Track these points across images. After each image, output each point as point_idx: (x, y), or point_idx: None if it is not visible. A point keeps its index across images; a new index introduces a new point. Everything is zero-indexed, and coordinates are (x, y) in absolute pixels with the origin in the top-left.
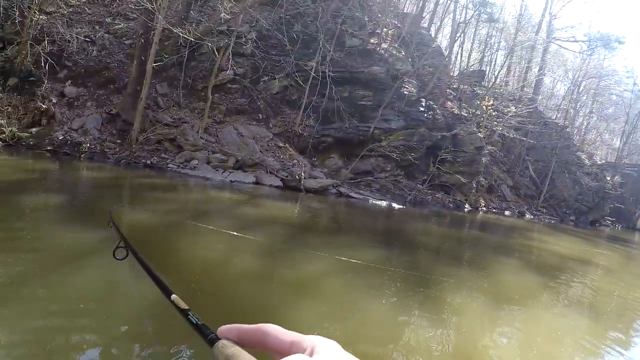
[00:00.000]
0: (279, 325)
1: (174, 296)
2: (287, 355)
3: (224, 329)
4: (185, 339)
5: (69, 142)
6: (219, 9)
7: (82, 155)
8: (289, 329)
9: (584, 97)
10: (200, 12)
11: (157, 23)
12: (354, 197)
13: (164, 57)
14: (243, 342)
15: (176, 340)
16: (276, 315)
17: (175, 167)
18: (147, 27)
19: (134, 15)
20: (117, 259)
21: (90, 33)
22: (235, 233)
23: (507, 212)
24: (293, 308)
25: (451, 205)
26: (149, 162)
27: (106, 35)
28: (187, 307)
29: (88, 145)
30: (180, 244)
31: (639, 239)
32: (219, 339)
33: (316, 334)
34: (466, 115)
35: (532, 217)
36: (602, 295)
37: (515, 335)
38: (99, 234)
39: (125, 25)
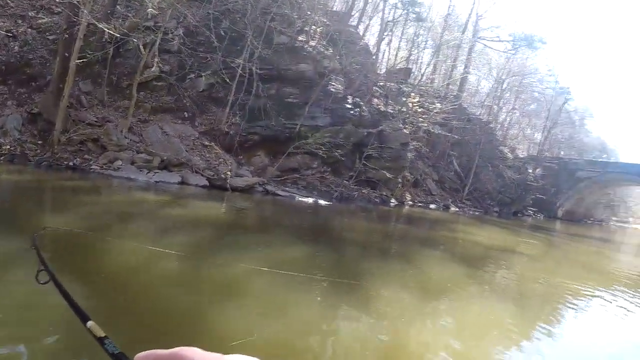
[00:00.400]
0: (201, 345)
1: (90, 323)
2: None
3: (140, 356)
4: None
5: None
6: (146, 4)
7: (1, 158)
8: (218, 336)
9: (507, 94)
10: (127, 6)
11: (81, 17)
12: (281, 195)
13: (89, 54)
14: None
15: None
16: (204, 322)
17: (99, 168)
18: (71, 22)
19: (59, 9)
20: (40, 283)
21: (12, 27)
22: (158, 249)
23: (432, 206)
24: (220, 314)
25: (377, 200)
26: (71, 163)
27: (29, 30)
28: (103, 335)
29: (8, 147)
30: (103, 262)
31: (560, 227)
32: None
33: (240, 353)
34: (392, 112)
35: (457, 209)
36: (527, 282)
37: (443, 327)
38: (14, 244)
39: (50, 19)
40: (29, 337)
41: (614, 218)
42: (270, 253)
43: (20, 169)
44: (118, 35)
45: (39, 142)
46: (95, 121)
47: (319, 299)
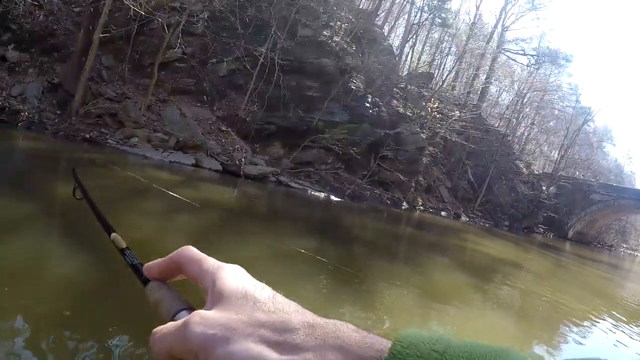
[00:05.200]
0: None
1: (114, 235)
2: (201, 281)
3: (147, 266)
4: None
5: (6, 109)
6: None
7: (19, 124)
8: None
9: (527, 109)
10: None
11: None
12: (293, 187)
13: (113, 29)
14: (166, 278)
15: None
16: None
17: (115, 143)
18: None
19: None
20: (77, 199)
21: None
22: (185, 199)
23: (443, 213)
24: None
25: (389, 201)
26: (87, 136)
27: (55, 0)
28: (125, 246)
29: (26, 114)
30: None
31: (569, 248)
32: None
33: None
34: (411, 115)
35: (467, 219)
36: (531, 298)
37: (442, 330)
38: (28, 207)
39: None
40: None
41: (624, 245)
42: (277, 242)
43: (36, 137)
44: (143, 13)
45: (58, 112)
46: (115, 96)
47: (323, 290)
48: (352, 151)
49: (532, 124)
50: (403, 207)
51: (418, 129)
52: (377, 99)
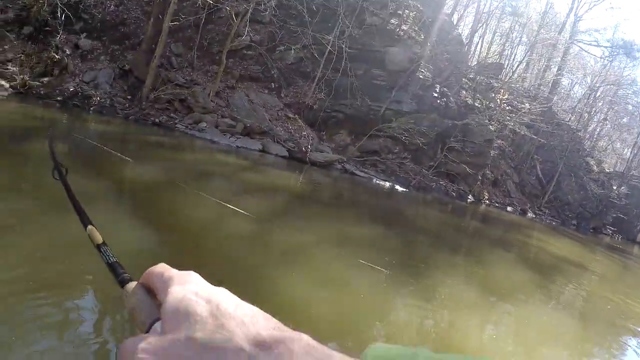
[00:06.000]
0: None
1: (90, 228)
2: (161, 299)
3: (153, 272)
4: None
5: (79, 94)
6: None
7: (91, 109)
8: (275, 291)
9: (600, 103)
10: None
11: None
12: (359, 175)
13: (181, 18)
14: (149, 287)
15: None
16: (267, 282)
17: (183, 127)
18: None
19: None
20: (55, 179)
21: None
22: (229, 206)
23: (509, 208)
24: (283, 277)
25: (454, 194)
26: (157, 120)
27: None
28: (101, 242)
29: (98, 98)
30: (172, 205)
31: (638, 252)
32: (130, 280)
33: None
34: (479, 106)
35: (533, 216)
36: (595, 301)
37: (502, 329)
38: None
39: None
40: None
41: None
42: (340, 228)
43: (108, 120)
44: (211, 2)
45: (128, 97)
46: (184, 83)
47: (382, 277)
48: (418, 141)
49: (605, 119)
50: (468, 200)
51: (486, 121)
52: (445, 89)
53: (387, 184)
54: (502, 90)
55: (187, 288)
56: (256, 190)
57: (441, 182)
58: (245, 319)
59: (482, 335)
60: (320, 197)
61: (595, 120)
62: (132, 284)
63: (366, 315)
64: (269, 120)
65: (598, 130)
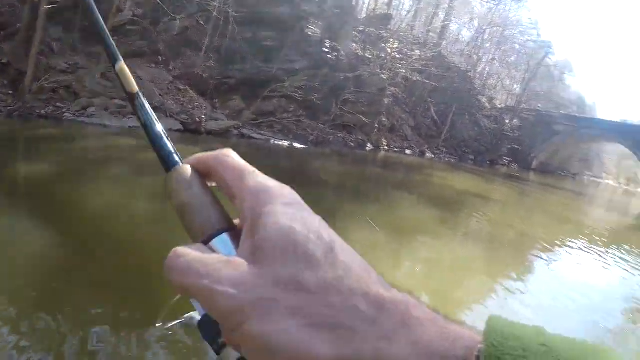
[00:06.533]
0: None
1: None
2: (238, 202)
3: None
4: None
5: None
6: None
7: None
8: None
9: (488, 45)
10: None
11: None
12: (256, 138)
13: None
14: (202, 172)
15: None
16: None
17: (72, 116)
18: None
19: None
20: None
21: None
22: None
23: (408, 151)
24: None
25: (353, 144)
26: (43, 112)
27: None
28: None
29: None
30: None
31: (534, 178)
32: (179, 163)
33: None
34: (370, 57)
35: (432, 156)
36: (499, 227)
37: (419, 266)
38: None
39: None
40: None
41: (587, 172)
42: None
43: None
44: None
45: (10, 92)
46: (67, 68)
47: None
48: (313, 97)
49: (493, 59)
50: (368, 148)
51: (378, 71)
52: (335, 44)
53: (286, 143)
54: (391, 40)
55: (295, 213)
56: (156, 167)
57: (339, 135)
58: (359, 269)
59: (398, 273)
60: None
61: (484, 60)
62: (186, 168)
63: None
64: (160, 95)
65: (487, 69)
